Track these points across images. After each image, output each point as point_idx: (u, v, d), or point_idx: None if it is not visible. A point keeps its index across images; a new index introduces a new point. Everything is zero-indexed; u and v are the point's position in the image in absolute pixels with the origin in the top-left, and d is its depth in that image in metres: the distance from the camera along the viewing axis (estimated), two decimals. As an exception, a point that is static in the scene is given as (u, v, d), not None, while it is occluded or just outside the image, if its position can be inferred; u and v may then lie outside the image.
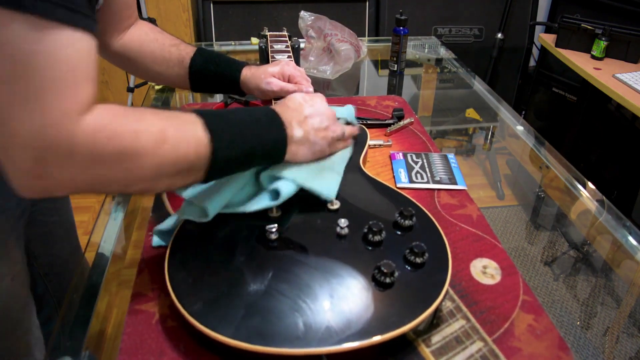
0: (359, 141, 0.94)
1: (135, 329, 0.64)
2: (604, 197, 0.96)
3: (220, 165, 0.64)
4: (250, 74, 1.04)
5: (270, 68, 1.06)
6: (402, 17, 1.48)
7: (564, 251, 1.01)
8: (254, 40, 1.63)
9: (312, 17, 1.53)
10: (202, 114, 0.64)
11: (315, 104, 0.78)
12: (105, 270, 0.77)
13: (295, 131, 0.73)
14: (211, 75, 1.03)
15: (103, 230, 0.86)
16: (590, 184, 1.01)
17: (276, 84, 1.04)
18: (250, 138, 0.67)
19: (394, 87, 1.51)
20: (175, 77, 1.03)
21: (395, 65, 1.52)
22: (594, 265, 0.95)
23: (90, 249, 0.83)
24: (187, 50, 1.02)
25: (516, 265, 0.76)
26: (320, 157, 0.79)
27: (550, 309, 0.78)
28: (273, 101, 1.04)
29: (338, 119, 0.85)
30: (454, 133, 1.25)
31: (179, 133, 0.60)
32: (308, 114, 0.76)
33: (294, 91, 1.06)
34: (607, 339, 0.86)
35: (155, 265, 0.73)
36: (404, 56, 1.52)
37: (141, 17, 2.11)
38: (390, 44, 1.52)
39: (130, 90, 2.34)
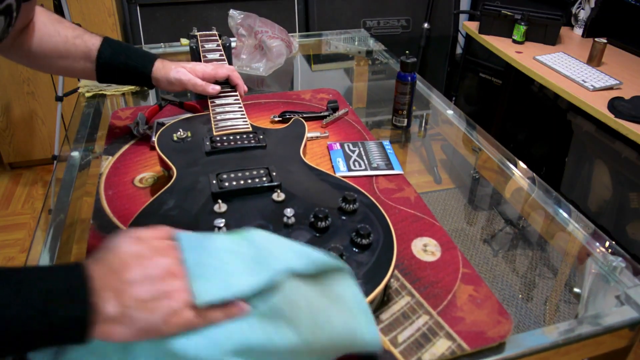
0: (298, 133, 0.96)
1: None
2: (535, 174, 1.02)
3: None
4: (162, 65, 1.00)
5: (199, 66, 1.02)
6: (409, 60, 1.14)
7: (501, 228, 1.06)
8: (184, 41, 1.62)
9: (242, 15, 1.53)
10: None
11: (151, 259, 0.52)
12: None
13: (108, 305, 0.49)
14: (121, 67, 0.98)
15: (41, 247, 0.82)
16: (521, 163, 1.06)
17: (184, 74, 1.00)
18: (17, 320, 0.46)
19: (402, 143, 1.20)
20: (80, 71, 0.98)
21: (405, 120, 1.20)
22: (530, 239, 1.00)
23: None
24: (92, 41, 0.97)
25: (457, 245, 0.79)
26: (150, 336, 0.51)
27: (492, 284, 0.82)
28: (209, 100, 1.03)
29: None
30: (389, 123, 1.28)
31: None
32: (132, 279, 0.51)
33: (201, 87, 1.01)
34: (547, 308, 0.92)
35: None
36: (412, 108, 1.20)
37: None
38: (319, 38, 1.52)
39: (59, 99, 2.27)
